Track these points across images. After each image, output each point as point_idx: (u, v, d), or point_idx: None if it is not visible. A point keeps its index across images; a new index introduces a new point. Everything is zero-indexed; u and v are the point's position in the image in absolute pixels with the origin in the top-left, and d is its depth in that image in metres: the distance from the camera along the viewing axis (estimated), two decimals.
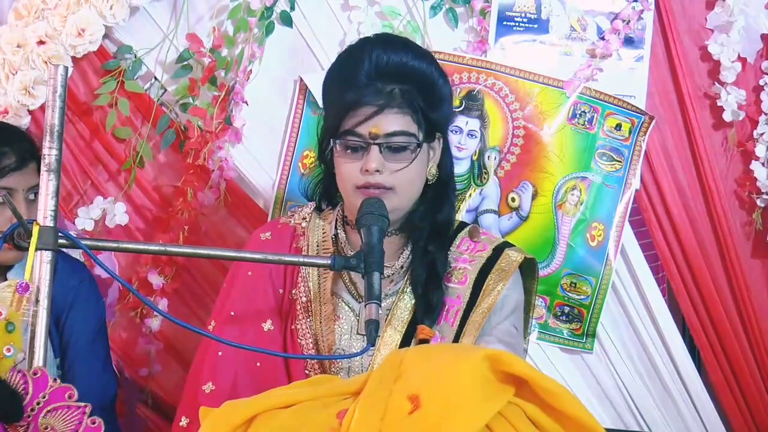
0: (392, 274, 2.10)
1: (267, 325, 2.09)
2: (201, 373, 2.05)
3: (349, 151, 2.01)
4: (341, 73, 2.04)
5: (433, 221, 2.10)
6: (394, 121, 1.98)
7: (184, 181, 2.86)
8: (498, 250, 2.14)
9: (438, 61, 2.81)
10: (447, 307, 2.07)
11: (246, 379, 2.03)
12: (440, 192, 2.12)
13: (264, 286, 2.12)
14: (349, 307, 2.10)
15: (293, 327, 2.08)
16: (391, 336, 2.04)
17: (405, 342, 2.04)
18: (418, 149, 2.00)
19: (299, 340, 2.08)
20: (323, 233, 2.15)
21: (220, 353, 2.05)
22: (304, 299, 2.10)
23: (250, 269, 2.13)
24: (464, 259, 2.12)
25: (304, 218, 2.19)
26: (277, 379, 2.03)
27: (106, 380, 2.62)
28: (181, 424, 2.03)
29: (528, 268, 2.19)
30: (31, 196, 2.46)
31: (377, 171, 1.98)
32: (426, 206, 2.09)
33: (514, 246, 2.19)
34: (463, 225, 2.21)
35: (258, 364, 2.03)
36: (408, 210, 2.07)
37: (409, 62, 2.00)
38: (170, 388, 2.96)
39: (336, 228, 2.15)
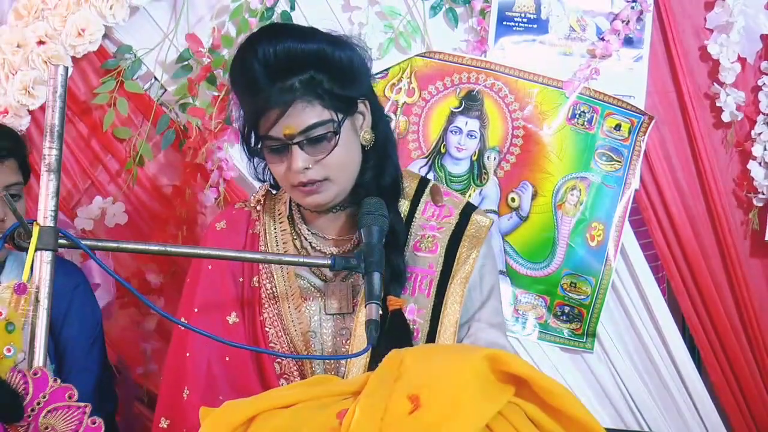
0: (351, 249, 2.06)
1: (231, 318, 2.06)
2: (177, 378, 2.03)
3: (273, 153, 1.96)
4: (239, 78, 1.98)
5: (378, 186, 2.04)
6: (304, 116, 1.91)
7: (183, 180, 2.87)
8: (465, 215, 2.09)
9: (437, 61, 2.83)
10: (420, 277, 2.03)
11: (221, 375, 2.01)
12: (381, 153, 2.05)
13: (224, 278, 2.08)
14: (314, 287, 2.07)
15: (261, 318, 2.07)
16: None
17: (381, 318, 1.95)
18: (337, 135, 1.94)
19: (267, 329, 2.05)
20: (279, 214, 2.13)
21: (188, 354, 2.03)
22: (268, 285, 2.07)
23: (210, 262, 2.09)
24: (432, 227, 2.07)
25: (258, 201, 2.15)
26: (247, 373, 2.02)
27: (102, 394, 2.60)
28: (161, 425, 2.02)
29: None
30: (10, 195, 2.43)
31: (306, 168, 1.94)
32: (370, 173, 2.04)
33: (478, 208, 2.14)
34: (423, 183, 2.14)
35: (227, 358, 2.01)
36: (351, 187, 2.02)
37: (297, 48, 1.91)
38: None
39: (290, 208, 2.13)
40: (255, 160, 2.08)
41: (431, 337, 2.00)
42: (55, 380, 1.64)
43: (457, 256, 2.05)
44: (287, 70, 1.90)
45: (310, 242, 2.08)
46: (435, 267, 2.04)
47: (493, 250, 2.15)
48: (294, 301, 2.05)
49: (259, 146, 1.99)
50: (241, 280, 2.09)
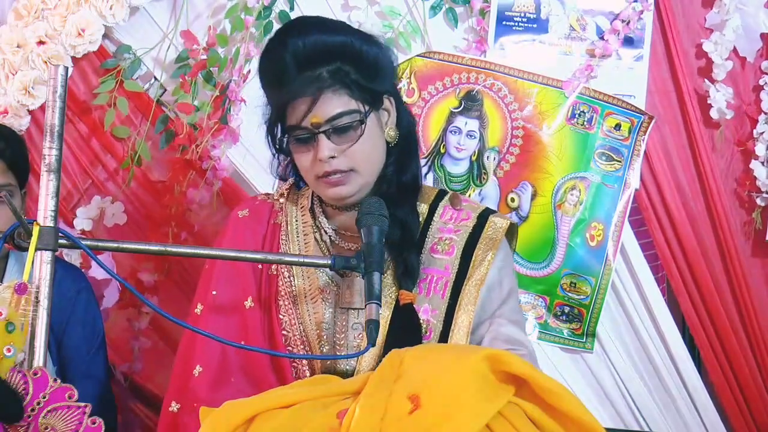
0: None
1: (248, 303, 2.08)
2: (188, 358, 2.04)
3: (299, 143, 2.00)
4: (268, 70, 2.02)
5: (399, 183, 2.08)
6: (331, 105, 1.95)
7: (171, 176, 2.87)
8: (483, 218, 2.12)
9: (437, 61, 2.83)
10: (435, 278, 2.05)
11: (234, 356, 2.02)
12: (404, 150, 2.10)
13: (243, 264, 2.10)
14: (331, 280, 2.09)
15: (277, 305, 2.07)
16: (381, 313, 2.02)
17: (394, 316, 2.01)
18: (363, 125, 1.98)
19: (281, 316, 2.06)
20: (301, 207, 2.15)
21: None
22: (286, 274, 2.09)
23: (230, 248, 2.11)
24: (449, 229, 2.10)
25: (282, 194, 2.19)
26: (261, 357, 2.02)
27: (104, 399, 2.59)
28: (170, 409, 2.01)
29: (509, 232, 2.17)
30: None
31: (332, 157, 1.97)
32: (392, 168, 2.08)
33: (497, 212, 2.18)
34: (443, 192, 2.19)
35: (242, 342, 2.01)
36: (375, 180, 2.06)
37: (326, 40, 1.96)
38: (164, 384, 2.95)
39: (312, 202, 2.15)
40: (280, 157, 2.11)
41: (444, 338, 2.02)
42: (55, 380, 1.65)
43: (473, 259, 2.07)
44: (315, 61, 1.95)
45: (329, 236, 2.11)
46: (451, 269, 2.06)
47: (511, 255, 2.16)
48: (310, 293, 2.07)
49: (285, 140, 2.02)
50: (260, 267, 2.11)
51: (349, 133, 1.97)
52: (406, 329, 1.97)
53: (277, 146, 2.07)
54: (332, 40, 1.97)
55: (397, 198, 2.05)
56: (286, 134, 2.01)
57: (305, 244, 2.10)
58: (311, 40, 1.95)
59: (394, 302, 2.01)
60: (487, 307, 2.06)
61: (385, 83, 2.04)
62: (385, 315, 2.00)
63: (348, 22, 2.81)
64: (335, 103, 1.95)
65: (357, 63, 1.97)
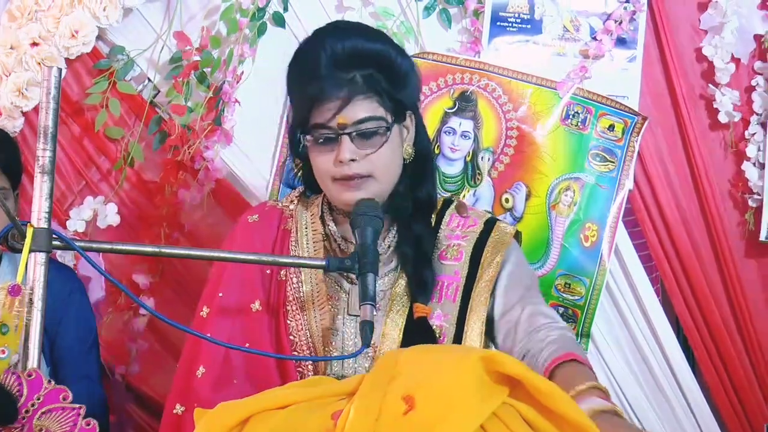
0: (381, 254, 2.09)
1: (255, 306, 2.08)
2: (192, 359, 2.05)
3: (320, 143, 2.01)
4: (301, 67, 2.04)
5: (414, 199, 2.11)
6: (360, 108, 1.98)
7: (162, 177, 2.87)
8: (489, 223, 2.16)
9: (431, 61, 2.83)
10: (446, 284, 2.08)
11: (238, 359, 2.02)
12: (419, 169, 2.13)
13: (252, 268, 2.11)
14: (340, 286, 2.10)
15: (284, 309, 2.08)
16: (394, 320, 2.04)
17: (408, 323, 2.04)
18: (388, 132, 2.01)
19: (288, 321, 2.07)
20: (311, 215, 2.16)
21: (208, 335, 2.03)
22: (295, 280, 2.10)
23: (240, 251, 2.12)
24: (457, 236, 2.13)
25: (291, 201, 2.20)
26: (266, 360, 2.03)
27: (98, 399, 2.60)
28: (175, 411, 2.02)
29: (515, 238, 2.21)
30: None
31: (352, 160, 1.98)
32: (406, 184, 2.11)
33: (502, 220, 2.23)
34: (448, 201, 2.22)
35: (247, 344, 2.02)
36: (389, 191, 2.08)
37: (364, 46, 2.00)
38: (158, 386, 2.95)
39: (322, 210, 2.16)
40: (296, 161, 2.13)
41: (457, 341, 2.05)
42: (49, 382, 1.64)
43: (481, 262, 2.10)
44: (351, 64, 1.98)
45: (339, 244, 2.12)
46: (460, 273, 2.09)
47: (524, 255, 2.20)
48: (318, 300, 2.08)
49: (304, 140, 2.03)
50: (268, 272, 2.12)
51: (373, 139, 2.00)
52: (420, 337, 1.99)
53: (297, 150, 2.08)
54: (370, 47, 2.00)
55: (411, 214, 2.10)
56: (306, 134, 2.02)
57: (315, 251, 2.11)
58: (350, 44, 1.98)
59: (407, 312, 2.04)
60: (511, 295, 2.09)
61: (410, 97, 2.08)
62: (399, 324, 2.04)
63: None
64: (365, 108, 1.98)
65: (389, 72, 2.01)
